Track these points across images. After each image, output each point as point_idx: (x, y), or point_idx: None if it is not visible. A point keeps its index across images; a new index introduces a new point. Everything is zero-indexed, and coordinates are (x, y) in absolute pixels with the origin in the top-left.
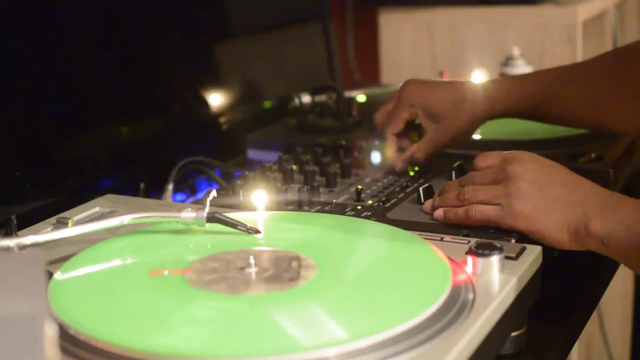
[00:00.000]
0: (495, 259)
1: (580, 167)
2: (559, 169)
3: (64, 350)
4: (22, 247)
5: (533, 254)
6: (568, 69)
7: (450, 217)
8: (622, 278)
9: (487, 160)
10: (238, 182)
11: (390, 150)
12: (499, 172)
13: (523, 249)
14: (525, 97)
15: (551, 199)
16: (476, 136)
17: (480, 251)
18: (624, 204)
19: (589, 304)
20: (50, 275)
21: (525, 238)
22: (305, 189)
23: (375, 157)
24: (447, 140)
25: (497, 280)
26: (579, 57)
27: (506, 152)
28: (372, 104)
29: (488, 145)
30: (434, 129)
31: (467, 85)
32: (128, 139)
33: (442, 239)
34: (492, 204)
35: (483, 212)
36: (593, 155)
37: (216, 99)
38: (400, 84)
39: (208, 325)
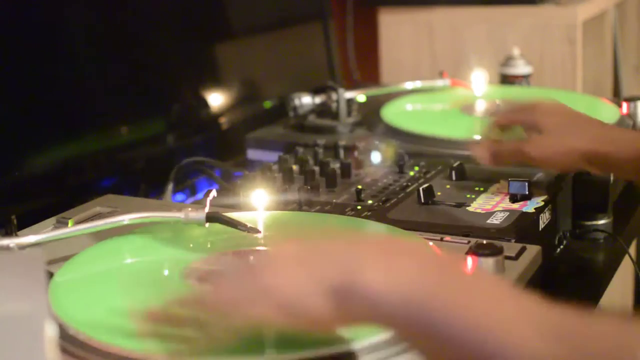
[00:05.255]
0: (495, 259)
1: (581, 169)
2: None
3: (64, 350)
4: (22, 247)
5: (533, 254)
6: None
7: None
8: (622, 279)
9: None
10: (238, 182)
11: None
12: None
13: (523, 249)
14: None
15: (314, 259)
16: (477, 136)
17: (480, 251)
18: (410, 253)
19: (588, 304)
20: (50, 275)
21: (525, 238)
22: (305, 189)
23: (375, 157)
24: (538, 157)
25: None
26: (579, 57)
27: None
28: (372, 104)
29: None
30: (530, 139)
31: (588, 118)
32: (128, 139)
33: (442, 239)
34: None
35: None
36: None
37: (216, 99)
38: (400, 84)
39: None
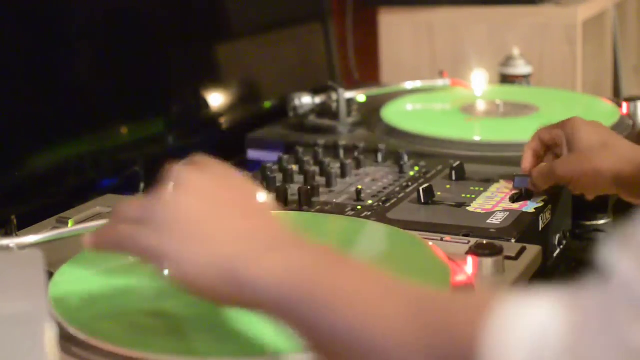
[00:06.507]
0: (495, 259)
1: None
2: (244, 186)
3: (64, 350)
4: (22, 247)
5: (533, 254)
6: None
7: (94, 242)
8: None
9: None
10: None
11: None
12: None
13: (523, 249)
14: None
15: (211, 227)
16: (477, 137)
17: (480, 251)
18: (293, 244)
19: None
20: (50, 275)
21: (525, 238)
22: (305, 189)
23: (375, 157)
24: (566, 175)
25: (497, 280)
26: (579, 58)
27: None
28: (372, 104)
29: (491, 146)
30: (561, 158)
31: (621, 139)
32: (128, 139)
33: (442, 239)
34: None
35: (123, 231)
36: None
37: (216, 99)
38: (400, 84)
39: (207, 326)
